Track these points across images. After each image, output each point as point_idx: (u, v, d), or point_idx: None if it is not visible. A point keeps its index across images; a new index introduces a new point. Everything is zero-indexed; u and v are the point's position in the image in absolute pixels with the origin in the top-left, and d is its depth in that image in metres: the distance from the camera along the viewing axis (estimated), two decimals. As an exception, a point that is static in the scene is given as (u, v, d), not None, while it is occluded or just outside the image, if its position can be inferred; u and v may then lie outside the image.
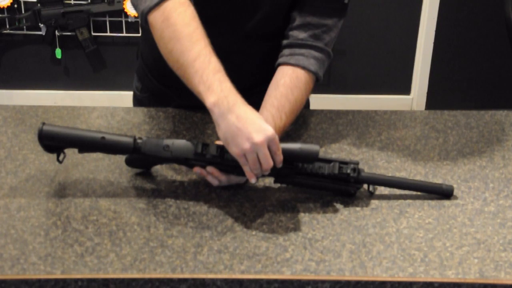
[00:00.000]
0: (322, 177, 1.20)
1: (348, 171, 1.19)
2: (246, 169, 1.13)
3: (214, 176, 1.20)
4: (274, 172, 1.17)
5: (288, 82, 1.33)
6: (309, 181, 1.20)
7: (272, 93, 1.33)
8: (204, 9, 1.30)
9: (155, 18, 1.22)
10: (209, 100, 1.12)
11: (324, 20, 1.37)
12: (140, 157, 1.21)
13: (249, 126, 1.10)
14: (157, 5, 1.21)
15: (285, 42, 1.39)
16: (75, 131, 1.20)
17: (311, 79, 1.37)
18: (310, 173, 1.19)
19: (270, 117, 1.27)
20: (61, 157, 1.22)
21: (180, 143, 1.18)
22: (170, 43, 1.19)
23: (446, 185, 1.24)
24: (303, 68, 1.35)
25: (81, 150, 1.22)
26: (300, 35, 1.37)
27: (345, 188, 1.21)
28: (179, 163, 1.20)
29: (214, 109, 1.12)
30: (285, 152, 1.14)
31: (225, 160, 1.17)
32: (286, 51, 1.38)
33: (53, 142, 1.19)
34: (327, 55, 1.39)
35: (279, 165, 1.14)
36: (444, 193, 1.23)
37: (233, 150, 1.12)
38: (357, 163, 1.20)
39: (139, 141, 1.18)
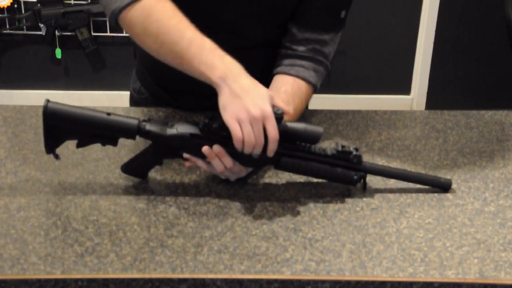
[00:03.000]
0: (324, 157, 1.20)
1: (351, 149, 1.20)
2: (235, 138, 1.12)
3: (220, 157, 1.17)
4: (275, 158, 1.18)
5: (289, 90, 1.34)
6: (310, 165, 1.20)
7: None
8: (200, 17, 1.31)
9: (133, 17, 1.21)
10: (215, 75, 1.13)
11: (321, 35, 1.38)
12: (137, 161, 1.22)
13: (249, 98, 1.11)
14: (129, 4, 1.21)
15: (283, 52, 1.40)
16: (80, 108, 1.17)
17: (310, 91, 1.38)
18: (313, 152, 1.20)
19: None
20: (57, 152, 1.21)
21: (185, 122, 1.19)
22: (160, 37, 1.19)
23: (445, 178, 1.24)
24: (303, 79, 1.36)
25: (81, 142, 1.20)
26: (300, 48, 1.38)
27: (347, 173, 1.21)
28: (183, 146, 1.18)
29: (220, 82, 1.12)
30: (289, 131, 1.16)
31: (229, 134, 1.16)
32: (285, 61, 1.38)
33: (58, 120, 1.16)
34: (326, 68, 1.41)
35: (273, 145, 1.13)
36: (442, 186, 1.24)
37: (227, 116, 1.12)
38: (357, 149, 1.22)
39: (144, 123, 1.18)
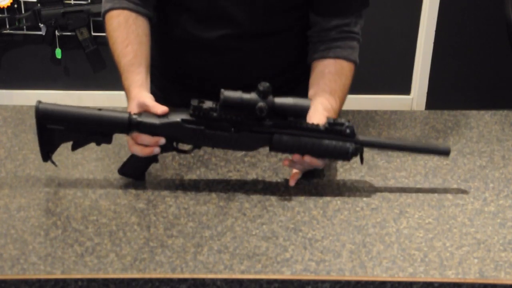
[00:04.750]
0: (318, 132, 1.19)
1: (343, 120, 1.20)
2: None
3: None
4: (268, 136, 1.19)
5: (333, 70, 1.38)
6: (305, 141, 1.19)
7: (320, 81, 1.37)
8: (200, 4, 1.36)
9: (107, 25, 1.39)
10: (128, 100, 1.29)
11: (347, 18, 1.42)
12: (132, 160, 1.22)
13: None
14: (107, 12, 1.39)
15: (315, 40, 1.43)
16: (71, 107, 1.19)
17: (353, 67, 1.41)
18: (306, 128, 1.19)
19: (326, 101, 1.30)
20: (56, 154, 1.21)
21: (177, 110, 1.20)
22: (112, 52, 1.39)
23: (443, 144, 1.24)
24: (344, 58, 1.39)
25: (75, 144, 1.21)
26: (329, 34, 1.41)
27: (342, 146, 1.19)
28: (176, 135, 1.19)
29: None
30: (278, 106, 1.16)
31: (220, 115, 1.17)
32: (320, 47, 1.41)
33: (50, 120, 1.17)
34: (358, 41, 1.44)
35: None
36: (441, 152, 1.24)
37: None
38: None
39: (135, 116, 1.19)
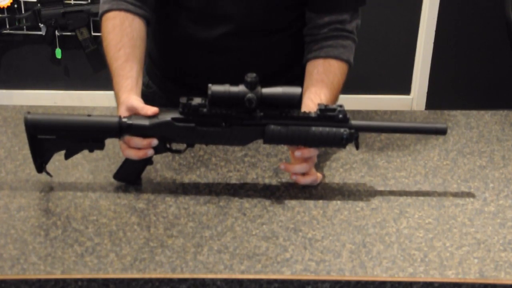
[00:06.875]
0: (309, 120, 1.18)
1: (335, 106, 1.18)
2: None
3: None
4: (259, 128, 1.18)
5: (321, 70, 1.38)
6: (298, 130, 1.17)
7: (308, 83, 1.37)
8: (199, 3, 1.37)
9: (103, 27, 1.38)
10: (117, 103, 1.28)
11: (340, 15, 1.41)
12: (126, 164, 1.22)
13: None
14: (104, 13, 1.37)
15: (308, 39, 1.43)
16: (60, 115, 1.19)
17: (344, 66, 1.41)
18: (297, 117, 1.18)
19: (310, 101, 1.30)
20: (47, 169, 1.21)
21: (166, 110, 1.19)
22: (105, 53, 1.35)
23: (440, 124, 1.22)
24: (334, 57, 1.39)
25: (68, 152, 1.21)
26: (322, 31, 1.41)
27: (336, 132, 1.17)
28: (168, 134, 1.18)
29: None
30: (266, 96, 1.15)
31: (210, 110, 1.17)
32: (314, 47, 1.41)
33: (41, 130, 1.17)
34: (353, 41, 1.43)
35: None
36: (437, 131, 1.22)
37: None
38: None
39: (125, 119, 1.18)
